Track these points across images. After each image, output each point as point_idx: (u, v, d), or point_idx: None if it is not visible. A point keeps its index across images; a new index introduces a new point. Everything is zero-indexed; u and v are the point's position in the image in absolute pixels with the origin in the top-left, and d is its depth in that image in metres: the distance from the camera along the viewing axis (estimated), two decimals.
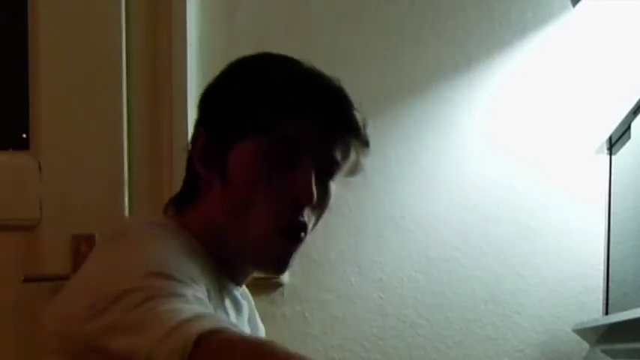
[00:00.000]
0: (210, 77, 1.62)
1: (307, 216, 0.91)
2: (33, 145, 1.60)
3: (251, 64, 0.96)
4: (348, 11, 1.64)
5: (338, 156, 0.92)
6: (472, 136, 1.64)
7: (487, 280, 1.63)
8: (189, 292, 0.75)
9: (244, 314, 1.00)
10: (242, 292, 1.01)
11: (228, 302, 0.95)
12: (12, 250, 1.59)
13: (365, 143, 0.94)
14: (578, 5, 1.52)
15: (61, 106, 1.58)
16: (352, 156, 0.94)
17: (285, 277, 1.62)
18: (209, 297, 0.82)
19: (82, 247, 1.57)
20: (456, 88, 1.64)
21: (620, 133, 1.45)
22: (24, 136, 1.63)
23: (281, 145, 0.89)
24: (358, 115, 0.93)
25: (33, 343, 1.57)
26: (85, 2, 1.59)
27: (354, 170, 0.96)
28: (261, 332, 1.10)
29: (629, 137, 1.39)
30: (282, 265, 0.93)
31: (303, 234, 0.91)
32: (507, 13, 1.63)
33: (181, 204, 0.96)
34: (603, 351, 1.33)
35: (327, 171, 0.92)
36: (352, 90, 1.63)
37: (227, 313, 0.92)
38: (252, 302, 1.08)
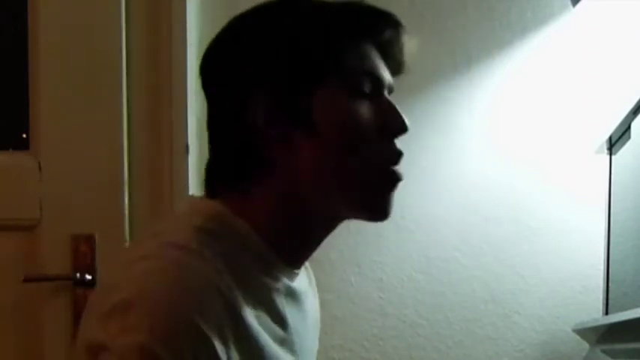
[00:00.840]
0: None
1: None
2: (33, 145, 1.60)
3: (287, 5, 0.86)
4: None
5: (402, 60, 0.92)
6: (472, 136, 1.64)
7: (487, 280, 1.63)
8: None
9: (302, 301, 0.93)
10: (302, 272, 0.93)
11: (280, 301, 0.86)
12: (12, 250, 1.59)
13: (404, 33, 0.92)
14: (578, 5, 1.52)
15: (61, 106, 1.58)
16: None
17: None
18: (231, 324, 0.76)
19: (81, 247, 1.57)
20: (456, 88, 1.64)
21: (620, 133, 1.45)
22: (24, 136, 1.63)
23: (365, 80, 0.83)
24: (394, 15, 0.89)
25: (33, 342, 1.57)
26: (85, 2, 1.59)
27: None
28: (316, 311, 1.03)
29: (629, 137, 1.39)
30: (387, 203, 0.87)
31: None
32: (507, 13, 1.63)
33: (236, 185, 0.83)
34: (603, 351, 1.33)
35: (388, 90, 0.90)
36: None
37: (261, 335, 0.82)
38: (312, 275, 1.01)
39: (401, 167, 0.87)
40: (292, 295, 0.89)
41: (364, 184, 0.84)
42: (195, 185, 1.59)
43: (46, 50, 1.58)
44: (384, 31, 0.86)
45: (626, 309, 1.17)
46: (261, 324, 0.81)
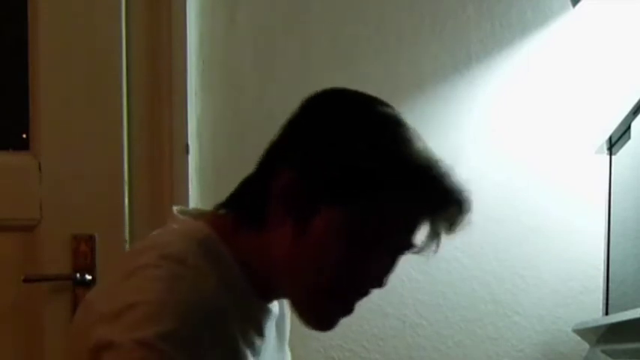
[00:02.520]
0: (209, 77, 1.64)
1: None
2: (33, 145, 1.61)
3: (372, 118, 0.87)
4: (348, 11, 1.65)
5: (424, 242, 0.91)
6: (472, 136, 1.64)
7: (487, 280, 1.63)
8: None
9: (273, 322, 0.98)
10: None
11: (257, 319, 0.92)
12: (12, 250, 1.59)
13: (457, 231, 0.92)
14: (578, 5, 1.52)
15: (61, 106, 1.58)
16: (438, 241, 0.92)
17: None
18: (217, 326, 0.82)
19: (82, 247, 1.57)
20: (456, 88, 1.64)
21: (620, 133, 1.45)
22: (24, 136, 1.63)
23: (372, 226, 0.84)
24: (467, 217, 0.90)
25: (32, 342, 1.57)
26: (85, 2, 1.59)
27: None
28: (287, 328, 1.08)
29: (629, 137, 1.39)
30: (328, 325, 0.91)
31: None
32: (507, 13, 1.63)
33: (240, 216, 0.89)
34: (603, 351, 1.33)
35: (402, 252, 0.92)
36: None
37: (251, 342, 0.90)
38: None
39: (351, 310, 0.90)
40: (266, 315, 0.95)
41: (307, 296, 0.88)
42: (195, 185, 1.60)
43: (46, 50, 1.58)
44: (444, 212, 0.88)
45: (626, 309, 1.17)
46: (244, 338, 0.88)
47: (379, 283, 0.89)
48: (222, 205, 0.92)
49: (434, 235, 0.91)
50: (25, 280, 1.55)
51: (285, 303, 1.03)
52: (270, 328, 0.97)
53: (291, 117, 0.90)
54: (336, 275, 0.86)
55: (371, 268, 0.88)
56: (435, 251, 0.94)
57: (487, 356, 1.63)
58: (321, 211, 0.84)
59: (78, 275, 1.55)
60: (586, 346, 1.49)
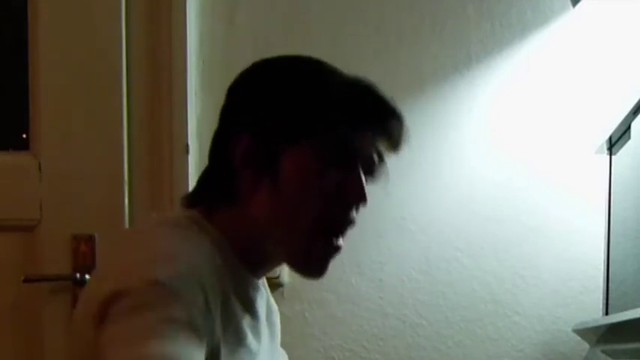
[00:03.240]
0: (209, 77, 1.64)
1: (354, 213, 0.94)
2: (33, 145, 1.61)
3: (299, 67, 0.95)
4: (348, 11, 1.65)
5: (383, 162, 0.95)
6: (472, 136, 1.64)
7: (487, 280, 1.63)
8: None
9: (263, 300, 1.01)
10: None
11: (245, 299, 0.95)
12: (12, 250, 1.59)
13: (406, 140, 0.98)
14: (578, 5, 1.52)
15: (61, 106, 1.59)
16: (398, 151, 0.97)
17: (285, 277, 1.62)
18: (221, 303, 0.85)
19: (82, 247, 1.57)
20: (456, 88, 1.64)
21: (620, 133, 1.45)
22: (24, 136, 1.63)
23: (336, 150, 0.90)
24: (403, 117, 0.96)
25: (32, 342, 1.57)
26: (85, 2, 1.59)
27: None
28: (274, 309, 1.10)
29: (629, 137, 1.39)
30: (323, 267, 0.94)
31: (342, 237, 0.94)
32: (507, 13, 1.63)
33: (212, 200, 0.94)
34: (603, 351, 1.33)
35: (372, 174, 0.95)
36: None
37: (239, 315, 0.92)
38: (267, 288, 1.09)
39: (344, 232, 0.94)
40: (255, 291, 0.98)
41: (294, 242, 0.92)
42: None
43: (46, 50, 1.58)
44: (373, 116, 0.93)
45: (626, 309, 1.16)
46: (238, 306, 0.91)
47: (361, 196, 0.92)
48: (191, 198, 0.97)
49: (383, 145, 0.96)
50: (25, 280, 1.55)
51: (273, 301, 1.07)
52: (261, 308, 0.99)
53: (224, 103, 0.97)
54: (319, 206, 0.90)
55: (347, 187, 0.92)
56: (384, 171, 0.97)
57: (487, 356, 1.63)
58: (283, 156, 0.90)
59: (78, 275, 1.55)
60: (586, 346, 1.49)
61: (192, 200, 0.96)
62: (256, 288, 0.97)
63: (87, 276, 1.55)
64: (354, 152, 0.92)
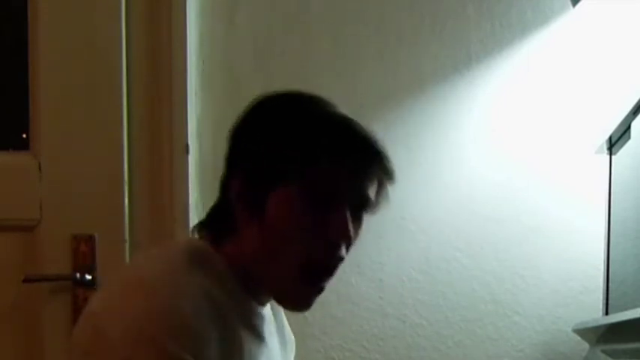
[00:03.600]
0: (209, 77, 1.64)
1: (343, 251, 0.98)
2: (33, 145, 1.61)
3: (279, 107, 0.99)
4: (348, 11, 1.65)
5: (372, 194, 0.98)
6: (472, 136, 1.64)
7: (487, 280, 1.63)
8: None
9: (271, 324, 1.07)
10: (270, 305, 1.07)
11: (252, 321, 0.99)
12: (12, 250, 1.59)
13: (393, 179, 1.01)
14: (578, 5, 1.52)
15: (61, 106, 1.58)
16: (384, 192, 1.00)
17: None
18: (227, 327, 0.90)
19: (82, 247, 1.57)
20: (456, 88, 1.64)
21: (620, 133, 1.45)
22: (24, 136, 1.63)
23: (317, 190, 0.94)
24: (389, 157, 0.99)
25: (32, 342, 1.57)
26: (85, 2, 1.59)
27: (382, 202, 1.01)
28: (290, 339, 1.17)
29: (629, 137, 1.39)
30: (307, 305, 0.99)
31: (327, 277, 0.99)
32: (507, 13, 1.63)
33: (216, 230, 1.00)
34: (603, 351, 1.33)
35: (361, 207, 0.98)
36: (352, 90, 1.64)
37: (246, 343, 0.96)
38: (282, 311, 1.14)
39: (331, 272, 0.99)
40: (259, 318, 1.02)
41: (284, 283, 0.96)
42: (195, 185, 1.60)
43: (46, 50, 1.58)
44: (363, 158, 0.96)
45: (626, 309, 1.17)
46: (243, 334, 0.95)
47: (345, 235, 0.96)
48: (202, 225, 1.02)
49: (374, 186, 0.98)
50: (25, 280, 1.55)
51: (289, 331, 1.15)
52: (270, 335, 1.04)
53: (227, 145, 1.01)
54: (304, 246, 0.94)
55: (329, 227, 0.95)
56: (383, 205, 1.01)
57: (487, 356, 1.63)
58: (269, 198, 0.94)
59: (78, 275, 1.55)
60: (586, 346, 1.49)
61: (203, 229, 1.02)
62: (260, 316, 1.01)
63: (87, 276, 1.56)
64: (335, 192, 0.94)
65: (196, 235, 1.02)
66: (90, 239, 1.57)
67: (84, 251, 1.57)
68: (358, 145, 0.96)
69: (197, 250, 0.96)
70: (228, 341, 0.90)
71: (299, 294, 0.97)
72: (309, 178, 0.93)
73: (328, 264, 0.98)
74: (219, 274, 0.95)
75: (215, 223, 1.01)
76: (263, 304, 1.02)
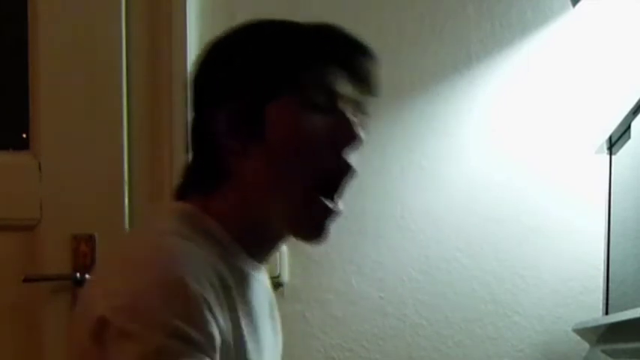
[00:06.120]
0: None
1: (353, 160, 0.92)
2: (33, 145, 1.61)
3: (260, 28, 0.97)
4: (348, 11, 1.64)
5: (369, 88, 0.95)
6: (472, 136, 1.64)
7: (487, 280, 1.63)
8: None
9: (265, 293, 1.00)
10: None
11: (246, 291, 0.93)
12: (12, 250, 1.59)
13: (379, 66, 0.98)
14: (578, 5, 1.52)
15: (61, 106, 1.59)
16: (378, 84, 0.97)
17: (285, 277, 1.63)
18: (223, 293, 0.83)
19: (82, 247, 1.57)
20: (455, 88, 1.64)
21: (620, 133, 1.45)
22: (24, 136, 1.63)
23: (315, 95, 0.89)
24: (370, 47, 0.98)
25: (32, 342, 1.57)
26: (85, 2, 1.59)
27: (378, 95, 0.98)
28: (276, 307, 1.08)
29: (629, 137, 1.39)
30: (324, 229, 0.91)
31: (338, 197, 0.92)
32: (507, 13, 1.63)
33: (204, 187, 0.92)
34: (603, 351, 1.33)
35: (361, 105, 0.94)
36: None
37: (244, 306, 0.90)
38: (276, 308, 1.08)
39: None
40: (257, 285, 0.96)
41: (297, 203, 0.90)
42: None
43: (46, 50, 1.58)
44: (345, 54, 0.94)
45: (626, 309, 1.17)
46: (240, 299, 0.88)
47: (353, 135, 0.90)
48: (183, 190, 0.95)
49: (368, 80, 0.96)
50: (25, 280, 1.55)
51: (273, 296, 1.05)
52: (265, 308, 0.98)
53: (193, 91, 0.95)
54: (312, 156, 0.89)
55: (336, 129, 0.90)
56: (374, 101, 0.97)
57: (487, 356, 1.63)
58: (266, 116, 0.89)
59: (78, 275, 1.55)
60: (586, 346, 1.49)
61: (184, 192, 0.95)
62: (258, 279, 0.95)
63: (87, 276, 1.55)
64: (334, 93, 0.90)
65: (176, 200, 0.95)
66: (90, 239, 1.57)
67: (84, 251, 1.57)
68: (342, 41, 0.94)
69: (189, 216, 0.89)
70: (231, 311, 0.85)
71: (315, 215, 0.90)
72: (304, 83, 0.89)
73: (341, 174, 0.91)
74: (213, 235, 0.89)
75: (198, 180, 0.93)
76: (261, 261, 0.96)
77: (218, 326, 0.79)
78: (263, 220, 0.92)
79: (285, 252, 1.63)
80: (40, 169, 1.58)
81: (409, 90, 1.63)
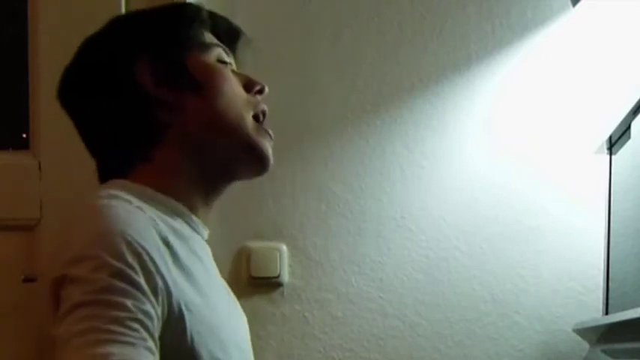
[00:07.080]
0: None
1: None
2: (33, 145, 1.61)
3: (135, 15, 1.12)
4: (348, 11, 1.65)
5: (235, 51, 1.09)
6: (472, 136, 1.64)
7: (487, 280, 1.63)
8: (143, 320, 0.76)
9: (209, 253, 1.03)
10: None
11: (192, 247, 0.94)
12: (12, 250, 1.59)
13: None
14: (578, 5, 1.52)
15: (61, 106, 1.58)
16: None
17: (285, 277, 1.62)
18: (168, 251, 0.85)
19: None
20: (455, 88, 1.64)
21: (620, 133, 1.45)
22: (24, 136, 1.63)
23: (219, 49, 1.02)
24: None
25: (32, 342, 1.57)
26: (85, 2, 1.59)
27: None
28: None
29: (629, 137, 1.39)
30: (269, 154, 1.00)
31: None
32: (507, 13, 1.63)
33: (137, 156, 0.97)
34: (603, 351, 1.33)
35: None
36: (352, 90, 1.64)
37: (196, 253, 0.94)
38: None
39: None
40: (202, 244, 0.99)
41: (246, 130, 0.98)
42: None
43: (46, 50, 1.58)
44: (223, 21, 1.12)
45: (626, 309, 1.17)
46: (185, 256, 0.89)
47: (261, 83, 1.05)
48: (109, 171, 1.01)
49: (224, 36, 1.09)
50: (25, 280, 1.55)
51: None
52: (211, 267, 1.01)
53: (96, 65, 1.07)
54: (240, 92, 1.00)
55: (244, 77, 1.04)
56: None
57: (487, 356, 1.63)
58: (188, 62, 0.98)
59: None
60: (586, 346, 1.49)
61: (112, 172, 0.99)
62: (202, 238, 0.99)
63: None
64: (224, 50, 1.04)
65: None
66: None
67: None
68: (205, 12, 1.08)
69: (119, 188, 0.91)
70: (177, 267, 0.86)
71: (265, 141, 1.00)
72: (202, 42, 1.01)
73: (264, 110, 1.02)
74: (150, 199, 0.91)
75: (127, 152, 0.98)
76: (206, 213, 1.01)
77: (163, 279, 0.81)
78: (207, 169, 0.97)
79: (285, 252, 1.63)
80: (40, 169, 1.58)
81: (409, 90, 1.63)
